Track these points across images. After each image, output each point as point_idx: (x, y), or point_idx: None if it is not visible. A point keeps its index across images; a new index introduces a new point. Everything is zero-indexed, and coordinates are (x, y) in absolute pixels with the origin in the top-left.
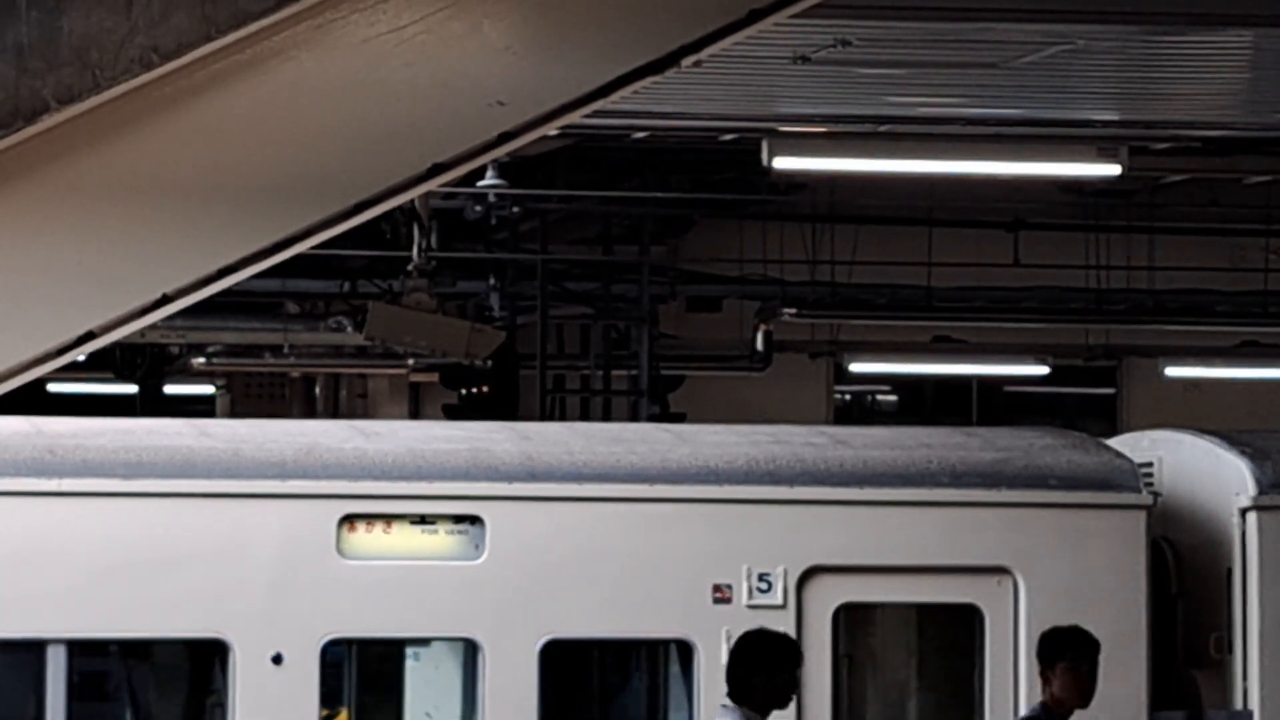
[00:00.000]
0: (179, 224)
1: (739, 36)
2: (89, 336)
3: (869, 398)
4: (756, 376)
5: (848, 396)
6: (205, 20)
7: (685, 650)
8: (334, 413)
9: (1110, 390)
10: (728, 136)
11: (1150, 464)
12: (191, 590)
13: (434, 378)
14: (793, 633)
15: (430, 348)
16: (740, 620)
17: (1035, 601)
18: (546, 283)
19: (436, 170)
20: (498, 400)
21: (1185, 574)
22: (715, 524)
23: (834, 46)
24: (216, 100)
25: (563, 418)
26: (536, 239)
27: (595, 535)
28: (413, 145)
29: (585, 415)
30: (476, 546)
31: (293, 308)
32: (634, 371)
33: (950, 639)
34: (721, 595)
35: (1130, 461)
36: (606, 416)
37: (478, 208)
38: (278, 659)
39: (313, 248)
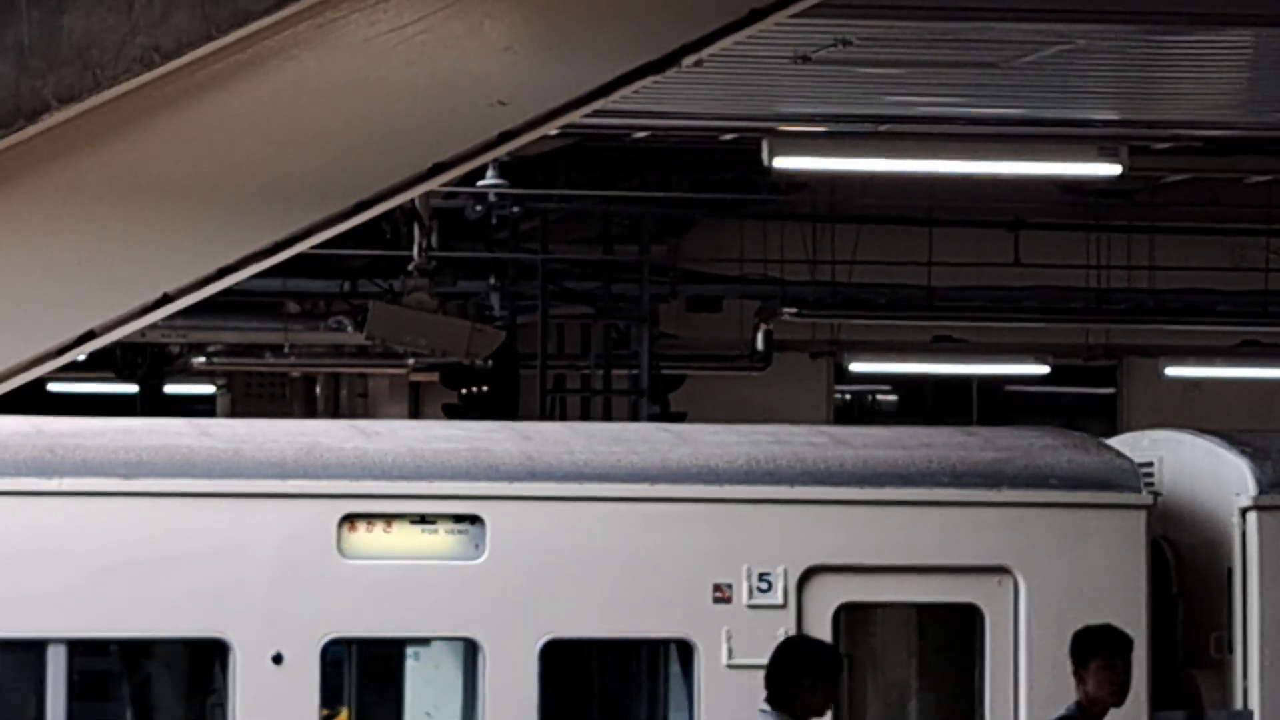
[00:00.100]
0: (179, 223)
1: (739, 36)
2: (89, 336)
3: (869, 397)
4: (757, 376)
5: (848, 396)
6: (206, 20)
7: (685, 650)
8: (334, 412)
9: (1111, 390)
10: (728, 136)
11: (1150, 464)
12: (192, 590)
13: (434, 377)
14: (793, 632)
15: (431, 347)
16: (740, 620)
17: (1035, 601)
18: (547, 282)
19: (437, 170)
20: (498, 400)
21: (1185, 574)
22: (715, 524)
23: (834, 46)
24: (217, 100)
25: (563, 417)
26: (537, 238)
27: (596, 535)
28: (413, 145)
29: (586, 415)
30: (477, 546)
31: (293, 307)
32: (634, 371)
33: (951, 639)
34: (722, 595)
35: (1130, 461)
36: (607, 416)
37: (478, 207)
38: (278, 659)
39: (313, 247)
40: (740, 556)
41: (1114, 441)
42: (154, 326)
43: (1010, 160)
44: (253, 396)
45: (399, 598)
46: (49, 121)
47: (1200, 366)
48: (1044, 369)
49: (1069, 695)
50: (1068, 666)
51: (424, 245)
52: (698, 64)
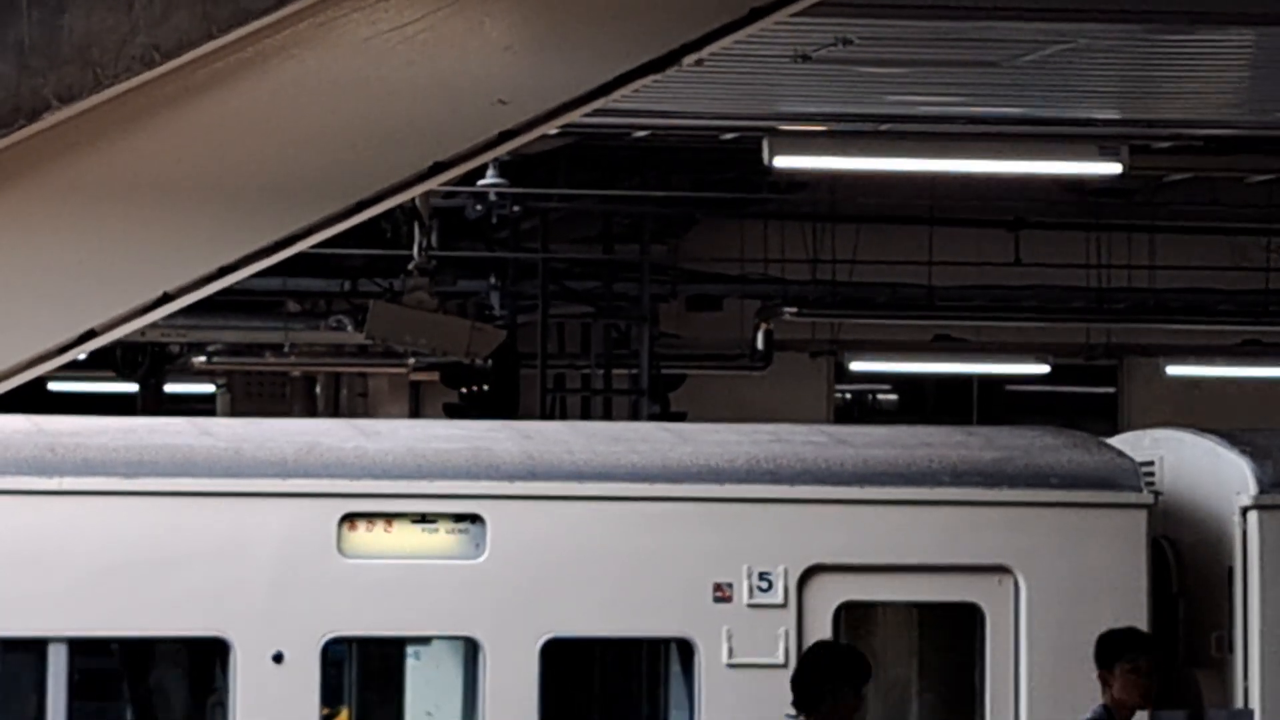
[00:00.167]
0: (180, 222)
1: (740, 35)
2: (90, 335)
3: (870, 397)
4: (757, 375)
5: (848, 395)
6: (206, 18)
7: (686, 649)
8: (335, 412)
9: (1111, 389)
10: (728, 135)
11: (1151, 463)
12: (192, 589)
13: (435, 376)
14: (793, 631)
15: (431, 346)
16: (741, 619)
17: (1036, 600)
18: (547, 281)
19: (437, 169)
20: (498, 399)
21: (1186, 573)
22: (716, 523)
23: (835, 45)
24: (218, 99)
25: (563, 417)
26: (537, 238)
27: (596, 534)
28: (414, 143)
29: (586, 414)
30: (477, 545)
31: (293, 306)
32: (634, 370)
33: (951, 638)
34: (722, 594)
35: (1131, 460)
36: (607, 415)
37: (478, 206)
38: (278, 658)
39: (313, 246)
40: (741, 556)
41: (1115, 441)
42: (154, 326)
43: (1011, 159)
44: (253, 396)
45: (399, 597)
46: (49, 120)
47: (1201, 366)
48: (1044, 368)
49: (1069, 694)
50: (1068, 665)
51: (424, 244)
52: (698, 63)
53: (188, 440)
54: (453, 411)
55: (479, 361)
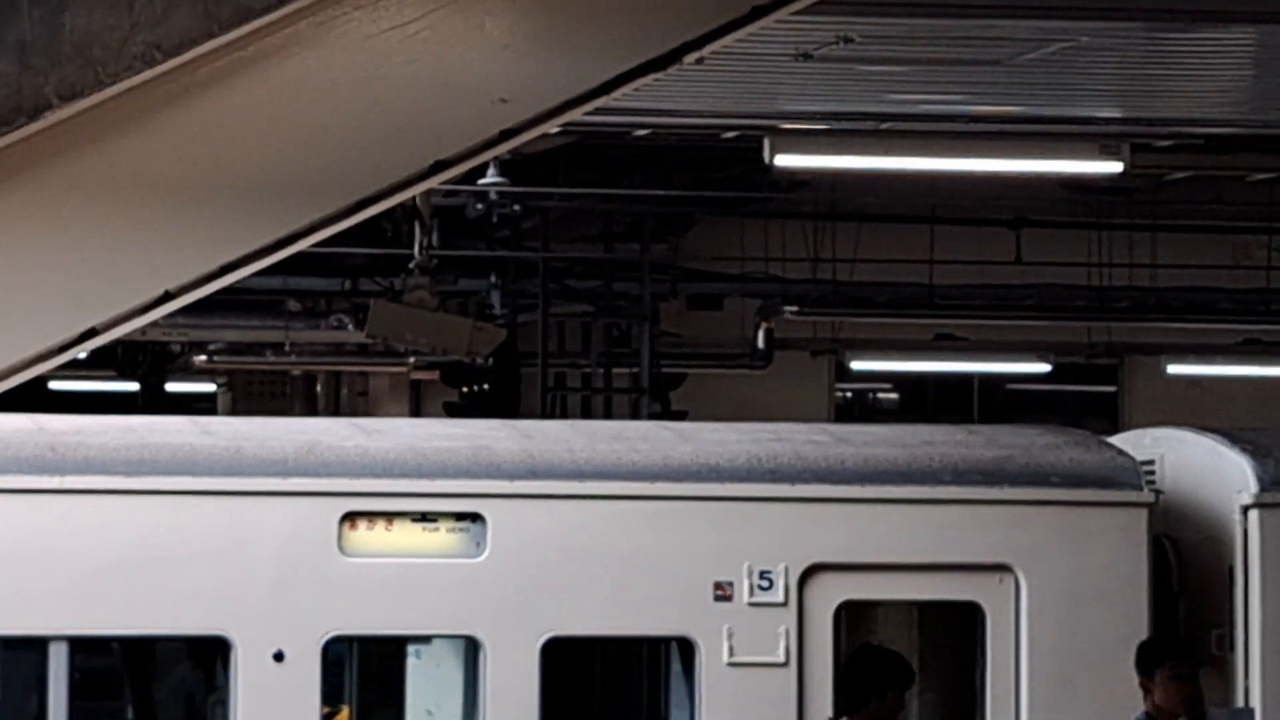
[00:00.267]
0: (181, 221)
1: (741, 33)
2: (90, 334)
3: (870, 396)
4: (758, 374)
5: (849, 394)
6: (207, 17)
7: (687, 648)
8: (335, 410)
9: (1112, 388)
10: (729, 134)
11: (1152, 461)
12: (193, 588)
13: (435, 375)
14: (794, 630)
15: (431, 345)
16: (741, 618)
17: (1037, 599)
18: (548, 280)
19: (438, 167)
20: (499, 398)
21: (1187, 572)
22: (716, 522)
23: (836, 43)
24: (218, 97)
25: (564, 415)
26: (538, 237)
27: (596, 533)
28: (414, 142)
29: (586, 413)
30: (478, 544)
31: (294, 305)
32: (635, 369)
33: (952, 637)
34: (723, 593)
35: (1132, 459)
36: (608, 414)
37: (479, 205)
38: (279, 656)
39: (314, 245)
40: (741, 554)
41: (1115, 439)
42: (155, 324)
43: (1012, 158)
44: (254, 395)
45: (400, 596)
46: (51, 119)
47: (1202, 364)
48: (1045, 367)
49: (1069, 694)
50: (1069, 664)
51: (425, 243)
52: (699, 61)
53: (188, 439)
54: (453, 410)
55: (479, 360)
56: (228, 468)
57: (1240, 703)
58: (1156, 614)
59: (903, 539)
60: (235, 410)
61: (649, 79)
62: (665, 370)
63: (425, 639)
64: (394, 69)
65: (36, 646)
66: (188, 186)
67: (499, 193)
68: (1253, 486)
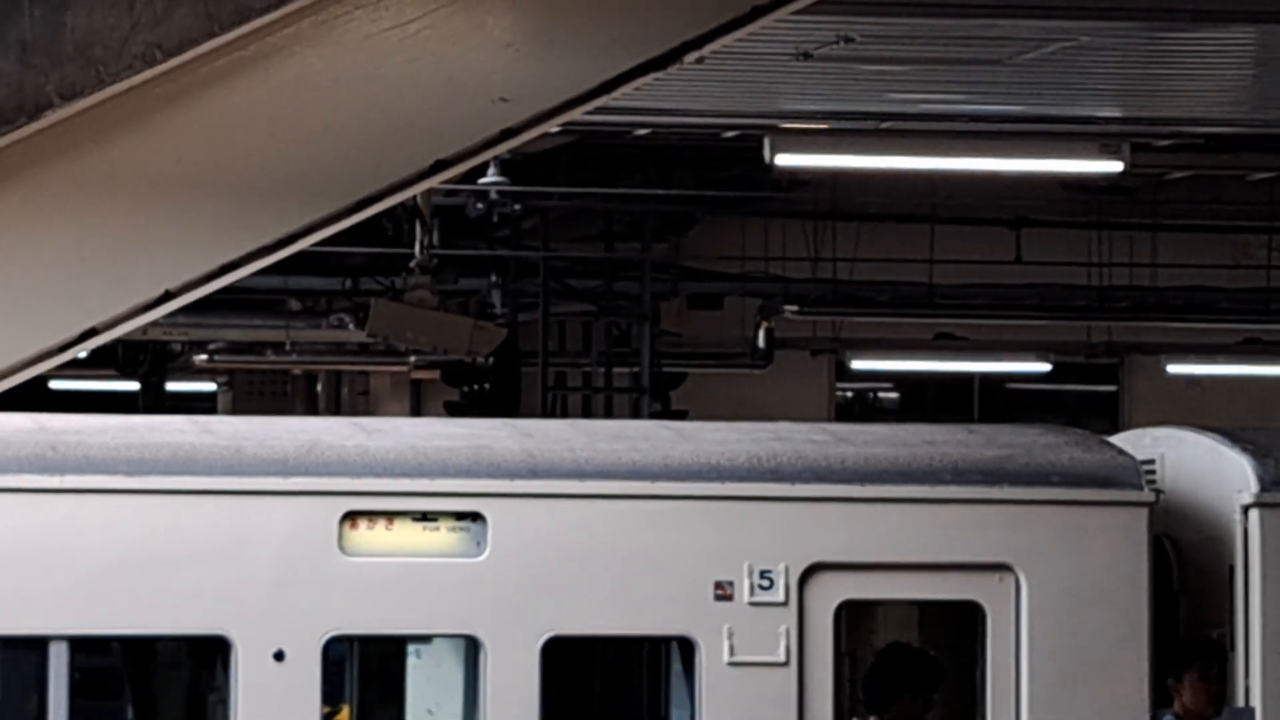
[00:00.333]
0: (181, 220)
1: (741, 33)
2: (91, 333)
3: (871, 395)
4: (758, 374)
5: (849, 394)
6: (208, 17)
7: (687, 647)
8: (336, 410)
9: (1112, 387)
10: (730, 133)
11: (1152, 461)
12: (193, 587)
13: (436, 375)
14: (794, 630)
15: (432, 345)
16: (742, 618)
17: (1037, 599)
18: (548, 280)
19: (439, 167)
20: (499, 397)
21: (1187, 571)
22: (717, 521)
23: (836, 43)
24: (219, 97)
25: (564, 415)
26: (538, 236)
27: (597, 532)
28: (415, 141)
29: (587, 412)
30: (478, 543)
31: (295, 305)
32: (636, 369)
33: (952, 636)
34: (723, 592)
35: (1132, 459)
36: (608, 414)
37: (480, 205)
38: (279, 656)
39: (315, 245)
40: (742, 554)
41: (1116, 439)
42: (156, 324)
43: (1012, 157)
44: (254, 394)
45: (400, 595)
46: (52, 118)
47: (1202, 364)
48: (1046, 366)
49: (1070, 693)
50: (1069, 663)
51: (425, 243)
52: (699, 61)
53: (189, 438)
54: (454, 410)
55: (480, 360)
56: (228, 467)
57: (1240, 703)
58: (1157, 614)
59: (903, 538)
60: (236, 410)
61: (649, 78)
62: (666, 370)
63: (426, 638)
64: (395, 68)
65: (37, 646)
66: (188, 186)
67: (499, 192)
68: (1253, 486)
